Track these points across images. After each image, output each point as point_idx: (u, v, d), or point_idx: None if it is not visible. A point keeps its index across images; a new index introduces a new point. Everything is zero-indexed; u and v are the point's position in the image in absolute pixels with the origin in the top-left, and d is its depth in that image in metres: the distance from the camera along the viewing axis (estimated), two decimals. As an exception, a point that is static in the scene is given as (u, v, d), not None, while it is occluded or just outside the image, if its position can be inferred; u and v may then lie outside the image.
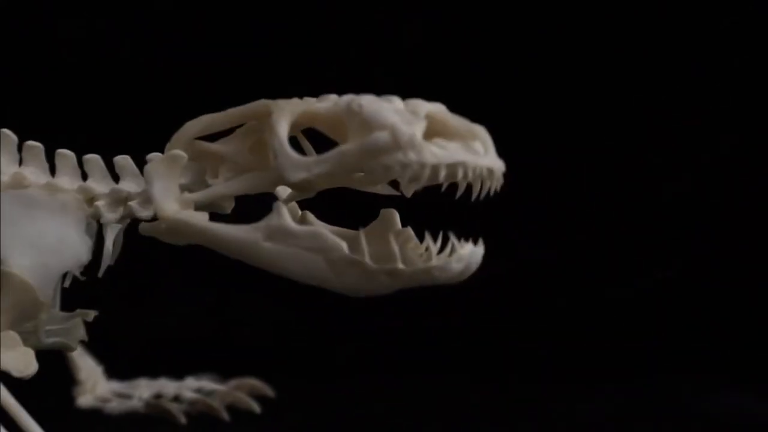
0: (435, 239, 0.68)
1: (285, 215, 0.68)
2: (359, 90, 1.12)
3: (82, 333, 0.85)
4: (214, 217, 0.74)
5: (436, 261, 0.66)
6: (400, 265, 0.66)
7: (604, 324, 1.25)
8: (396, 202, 0.76)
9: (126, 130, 1.02)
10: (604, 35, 1.28)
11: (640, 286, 1.26)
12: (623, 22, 1.28)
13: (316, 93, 1.20)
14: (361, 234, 0.68)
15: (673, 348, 1.23)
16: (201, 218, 0.71)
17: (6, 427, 0.74)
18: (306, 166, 0.67)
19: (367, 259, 0.66)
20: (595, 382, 1.15)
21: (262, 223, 0.68)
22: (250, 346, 1.25)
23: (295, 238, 0.68)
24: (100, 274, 0.80)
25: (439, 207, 0.76)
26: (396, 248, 0.67)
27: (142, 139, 0.83)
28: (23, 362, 0.77)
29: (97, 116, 1.21)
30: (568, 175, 1.16)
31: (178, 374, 1.10)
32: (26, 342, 0.79)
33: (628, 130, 1.28)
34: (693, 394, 1.12)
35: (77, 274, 0.80)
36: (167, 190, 0.72)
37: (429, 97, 0.72)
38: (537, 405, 1.09)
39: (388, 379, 1.17)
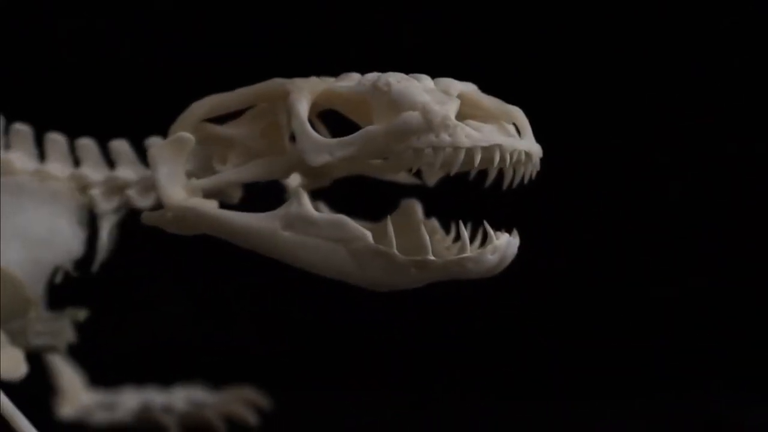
0: (457, 229, 0.67)
1: (306, 202, 0.66)
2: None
3: (70, 334, 0.85)
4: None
5: (469, 252, 0.64)
6: (431, 257, 0.64)
7: (631, 336, 1.25)
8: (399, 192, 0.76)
9: (119, 113, 1.00)
10: (610, 37, 1.28)
11: (670, 296, 1.26)
12: (623, 23, 1.29)
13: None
14: (389, 223, 0.65)
15: (703, 361, 1.23)
16: (211, 206, 0.70)
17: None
18: (329, 149, 0.65)
19: (395, 250, 0.64)
20: (621, 398, 1.15)
21: (280, 211, 0.66)
22: (236, 352, 1.25)
23: (316, 227, 0.66)
24: (94, 268, 0.79)
25: (442, 198, 0.75)
26: (426, 238, 0.64)
27: (137, 122, 0.83)
28: (12, 364, 0.76)
29: (88, 99, 1.20)
30: (582, 177, 1.15)
31: (161, 381, 1.09)
32: (13, 342, 0.79)
33: (638, 128, 1.28)
34: (726, 408, 1.12)
35: (69, 268, 0.79)
36: (173, 176, 0.70)
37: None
38: (558, 422, 1.09)
39: (388, 388, 1.18)
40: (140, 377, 1.10)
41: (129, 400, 1.05)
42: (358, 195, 0.77)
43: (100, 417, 1.02)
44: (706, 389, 1.17)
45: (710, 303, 1.24)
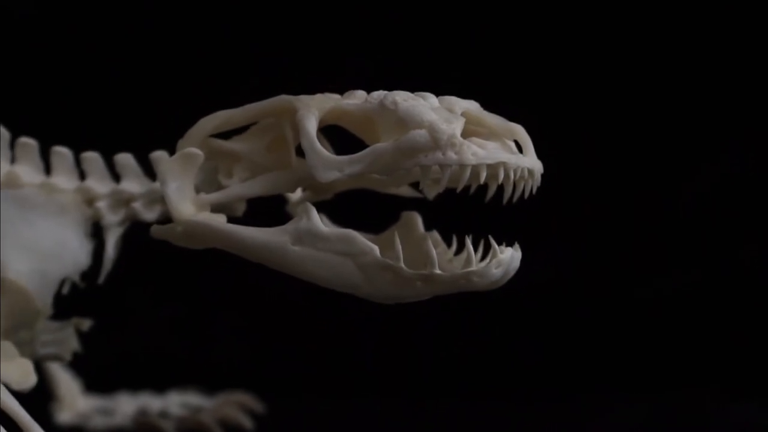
0: (463, 243, 0.68)
1: (315, 217, 0.67)
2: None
3: (75, 344, 0.85)
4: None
5: (475, 266, 0.65)
6: (438, 271, 0.65)
7: (623, 334, 1.26)
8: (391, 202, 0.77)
9: (120, 127, 1.01)
10: (611, 39, 1.30)
11: (662, 294, 1.27)
12: (621, 26, 1.30)
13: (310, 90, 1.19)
14: (396, 237, 0.67)
15: (694, 359, 1.25)
16: (221, 220, 0.70)
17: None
18: (338, 166, 0.66)
19: (403, 264, 0.65)
20: (615, 394, 1.16)
21: (290, 226, 0.68)
22: (225, 358, 1.26)
23: (325, 242, 0.67)
24: (101, 280, 0.80)
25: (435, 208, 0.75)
26: (433, 252, 0.66)
27: (138, 136, 0.85)
28: (22, 374, 0.77)
29: (87, 112, 1.21)
30: (577, 178, 1.17)
31: (153, 387, 1.10)
32: (20, 352, 0.79)
33: (643, 130, 1.29)
34: (716, 406, 1.14)
35: (77, 279, 0.80)
36: (183, 191, 0.71)
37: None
38: (552, 418, 1.10)
39: (379, 395, 1.17)
40: (131, 384, 1.11)
41: (126, 406, 1.06)
42: (353, 206, 0.78)
43: (99, 422, 1.03)
44: (690, 387, 1.19)
45: (694, 303, 1.26)
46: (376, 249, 0.66)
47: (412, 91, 0.69)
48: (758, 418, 1.09)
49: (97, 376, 1.08)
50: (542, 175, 0.68)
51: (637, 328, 1.25)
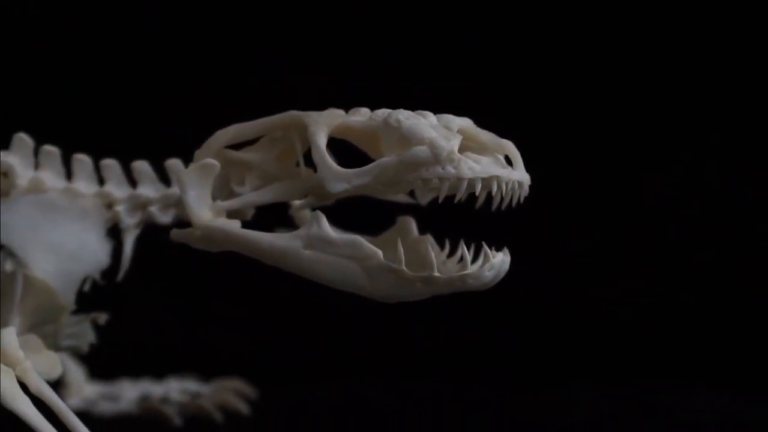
0: (457, 247, 0.71)
1: (325, 224, 0.71)
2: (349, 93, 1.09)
3: (92, 336, 0.89)
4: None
5: (470, 269, 0.69)
6: (436, 273, 0.69)
7: (594, 329, 1.27)
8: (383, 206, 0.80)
9: (132, 136, 1.02)
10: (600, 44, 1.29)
11: (629, 293, 1.28)
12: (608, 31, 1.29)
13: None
14: (399, 243, 0.70)
15: (653, 353, 1.25)
16: (236, 226, 0.74)
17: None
18: (347, 178, 0.70)
19: (404, 266, 0.69)
20: (579, 386, 1.17)
21: (302, 232, 0.71)
22: (220, 347, 1.26)
23: (334, 247, 0.70)
24: (120, 278, 0.83)
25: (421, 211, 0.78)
26: (432, 257, 0.69)
27: (151, 144, 0.88)
28: (49, 366, 0.79)
29: (94, 119, 1.21)
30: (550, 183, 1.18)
31: (152, 375, 1.12)
32: (45, 345, 0.81)
33: (613, 133, 1.29)
34: (674, 396, 1.13)
35: (97, 278, 0.83)
36: (201, 198, 0.74)
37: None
38: (522, 408, 1.11)
39: (372, 381, 1.18)
40: (130, 372, 1.12)
41: (129, 392, 1.08)
42: (348, 209, 0.79)
43: (104, 408, 1.05)
44: (656, 378, 1.21)
45: (657, 301, 1.28)
46: (380, 253, 0.69)
47: (404, 106, 0.72)
48: (720, 407, 1.10)
49: (99, 365, 1.08)
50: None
51: (607, 324, 1.27)
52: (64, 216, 0.82)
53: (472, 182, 0.68)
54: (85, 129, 0.94)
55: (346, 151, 0.75)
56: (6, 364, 0.76)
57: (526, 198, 0.71)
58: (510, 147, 0.71)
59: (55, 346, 0.83)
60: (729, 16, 1.26)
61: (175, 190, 0.83)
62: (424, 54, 1.28)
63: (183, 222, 0.80)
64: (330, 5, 1.28)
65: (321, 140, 0.71)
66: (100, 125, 1.18)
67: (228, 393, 1.06)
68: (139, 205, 0.83)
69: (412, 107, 0.74)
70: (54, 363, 0.80)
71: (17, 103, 1.07)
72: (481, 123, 0.74)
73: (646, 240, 1.28)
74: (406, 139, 0.69)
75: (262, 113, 0.78)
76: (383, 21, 1.28)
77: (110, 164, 0.84)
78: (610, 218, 1.28)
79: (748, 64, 1.27)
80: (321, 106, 0.76)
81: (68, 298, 0.81)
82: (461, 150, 0.70)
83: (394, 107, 0.74)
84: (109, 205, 0.83)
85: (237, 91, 1.25)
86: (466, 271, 0.69)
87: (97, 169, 0.84)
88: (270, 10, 1.28)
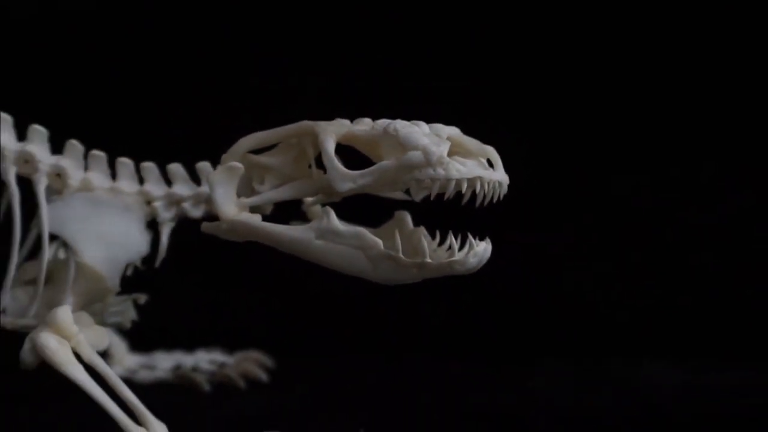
0: (444, 238, 0.71)
1: (334, 218, 0.71)
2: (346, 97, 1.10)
3: (133, 314, 0.89)
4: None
5: (457, 256, 0.70)
6: (428, 260, 0.70)
7: (552, 311, 1.26)
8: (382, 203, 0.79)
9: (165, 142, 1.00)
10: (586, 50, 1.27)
11: (582, 279, 1.27)
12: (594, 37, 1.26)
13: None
14: (397, 234, 0.71)
15: (605, 327, 1.24)
16: (257, 219, 0.74)
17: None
18: (352, 179, 0.71)
19: (401, 254, 0.70)
20: (542, 359, 1.17)
21: (313, 225, 0.72)
22: (238, 325, 1.24)
23: (341, 238, 0.71)
24: (157, 264, 0.84)
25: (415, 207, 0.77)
26: (425, 246, 0.70)
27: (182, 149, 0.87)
28: (97, 338, 0.80)
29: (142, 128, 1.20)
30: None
31: (184, 347, 1.11)
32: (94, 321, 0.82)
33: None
34: (623, 365, 1.14)
35: (138, 264, 0.84)
36: (227, 196, 0.74)
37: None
38: (491, 379, 1.10)
39: (371, 355, 1.18)
40: (167, 344, 1.11)
41: (164, 362, 1.08)
42: (353, 205, 0.78)
43: (143, 375, 1.05)
44: (609, 350, 1.19)
45: (613, 286, 1.26)
46: (380, 243, 0.70)
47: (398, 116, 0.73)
48: (670, 376, 1.09)
49: (139, 338, 1.08)
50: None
51: (569, 305, 1.26)
52: (109, 211, 0.82)
53: (459, 182, 0.69)
54: (105, 130, 0.92)
55: (351, 156, 0.74)
56: (63, 337, 0.77)
57: (504, 195, 0.71)
58: (492, 152, 0.72)
59: (102, 322, 0.83)
60: (717, 18, 1.24)
61: (205, 188, 0.84)
62: (415, 56, 1.26)
63: (212, 216, 0.80)
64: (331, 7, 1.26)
65: (330, 146, 0.72)
66: (120, 128, 1.16)
67: (249, 363, 1.06)
68: (174, 201, 0.84)
69: (405, 106, 0.76)
70: (101, 336, 0.81)
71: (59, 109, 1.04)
72: (468, 125, 0.74)
73: (606, 229, 1.27)
74: (403, 145, 0.70)
75: (271, 116, 0.79)
76: (379, 24, 1.26)
77: (149, 166, 0.84)
78: (574, 213, 1.27)
79: (743, 62, 1.24)
80: (324, 108, 0.78)
81: (113, 282, 0.81)
82: (449, 154, 0.70)
83: (386, 106, 0.75)
84: (148, 202, 0.84)
85: (247, 97, 1.24)
86: (453, 258, 0.70)
87: (138, 170, 0.84)
88: (273, 12, 1.26)
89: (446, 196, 0.70)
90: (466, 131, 0.74)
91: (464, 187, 0.69)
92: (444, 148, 0.70)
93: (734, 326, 1.22)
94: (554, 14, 1.25)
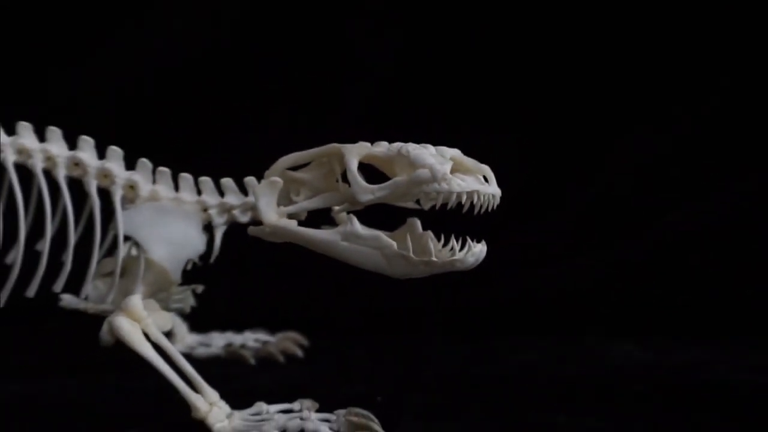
0: (447, 240, 0.72)
1: (356, 223, 0.73)
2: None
3: (192, 301, 0.91)
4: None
5: (458, 255, 0.71)
6: (434, 258, 0.71)
7: (526, 296, 1.23)
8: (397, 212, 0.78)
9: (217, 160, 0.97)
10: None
11: (555, 267, 1.24)
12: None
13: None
14: (408, 237, 0.72)
15: (578, 309, 1.21)
16: (294, 224, 0.75)
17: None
18: (372, 191, 0.72)
19: (411, 254, 0.71)
20: (523, 337, 1.15)
21: (340, 229, 0.73)
22: (279, 311, 1.21)
23: (362, 239, 0.72)
24: (212, 260, 0.84)
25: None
26: (431, 247, 0.71)
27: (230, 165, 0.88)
28: (163, 321, 0.81)
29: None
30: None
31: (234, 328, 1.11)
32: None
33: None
34: (599, 345, 1.11)
35: (196, 260, 0.84)
36: (269, 205, 0.75)
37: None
38: (487, 353, 1.09)
39: (386, 335, 1.17)
40: (220, 326, 1.11)
41: (217, 340, 1.08)
42: (374, 213, 0.77)
43: (201, 352, 1.05)
44: (582, 330, 1.17)
45: (584, 270, 1.23)
46: (395, 244, 0.72)
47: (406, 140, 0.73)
48: (633, 354, 1.08)
49: (197, 321, 1.08)
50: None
51: (540, 289, 1.24)
52: (173, 217, 0.83)
53: (459, 195, 0.70)
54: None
55: (372, 172, 0.75)
56: (134, 320, 0.78)
57: (497, 205, 0.72)
58: (487, 170, 0.73)
59: (166, 308, 0.85)
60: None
61: (251, 198, 0.84)
62: (426, 91, 1.24)
63: (256, 222, 0.80)
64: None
65: (353, 164, 0.73)
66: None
67: (287, 341, 1.07)
68: (226, 209, 0.84)
69: (415, 131, 0.77)
70: (166, 319, 0.82)
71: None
72: (466, 145, 0.74)
73: (582, 227, 1.25)
74: (413, 164, 0.71)
75: (306, 139, 0.79)
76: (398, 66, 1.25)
77: (205, 180, 0.85)
78: (554, 213, 1.26)
79: (737, 64, 1.21)
80: (349, 132, 0.78)
81: (176, 275, 0.82)
82: (452, 172, 0.71)
83: (400, 131, 0.76)
84: (205, 209, 0.84)
85: (286, 125, 1.23)
86: (455, 257, 0.71)
87: (196, 183, 0.85)
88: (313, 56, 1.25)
89: (449, 206, 0.71)
90: (465, 151, 0.74)
91: (464, 198, 0.70)
92: (447, 167, 0.71)
93: (693, 310, 1.19)
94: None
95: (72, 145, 0.85)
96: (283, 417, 0.76)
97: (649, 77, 1.23)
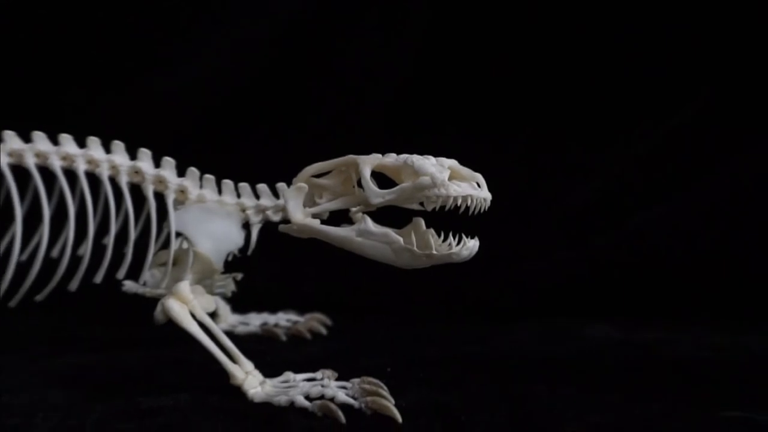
0: (446, 236, 0.73)
1: (369, 222, 0.75)
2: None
3: (233, 286, 0.92)
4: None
5: (455, 249, 0.73)
6: (435, 252, 0.73)
7: (516, 286, 1.21)
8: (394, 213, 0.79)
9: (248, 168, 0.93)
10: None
11: (541, 259, 1.21)
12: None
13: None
14: (412, 233, 0.74)
15: (558, 295, 1.18)
16: (317, 223, 0.78)
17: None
18: (382, 195, 0.75)
19: (415, 248, 0.73)
20: (511, 320, 1.13)
21: (355, 227, 0.76)
22: (307, 295, 1.19)
23: (374, 235, 0.75)
24: (249, 253, 0.85)
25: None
26: (432, 242, 0.74)
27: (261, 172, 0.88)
28: (208, 303, 0.83)
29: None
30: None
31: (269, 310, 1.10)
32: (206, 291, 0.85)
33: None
34: (577, 326, 1.09)
35: (236, 252, 0.85)
36: (297, 207, 0.78)
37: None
38: (481, 334, 1.07)
39: (394, 317, 1.16)
40: (256, 308, 1.10)
41: (254, 320, 1.08)
42: (384, 214, 0.79)
43: (241, 329, 1.05)
44: (566, 313, 1.14)
45: (568, 262, 1.21)
46: (401, 239, 0.74)
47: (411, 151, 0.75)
48: (609, 334, 1.06)
49: (238, 304, 1.08)
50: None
51: (528, 279, 1.22)
52: (216, 216, 0.84)
53: (456, 198, 0.73)
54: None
55: (382, 179, 0.77)
56: (183, 302, 0.80)
57: (488, 208, 0.74)
58: (480, 177, 0.75)
59: (210, 292, 0.86)
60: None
61: (281, 201, 0.85)
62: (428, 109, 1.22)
63: (286, 221, 0.81)
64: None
65: (367, 172, 0.75)
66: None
67: (314, 321, 1.07)
68: (261, 210, 0.85)
69: (419, 144, 0.77)
70: (210, 302, 0.84)
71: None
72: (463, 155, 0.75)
73: (556, 224, 1.24)
74: (417, 172, 0.74)
75: (327, 151, 0.79)
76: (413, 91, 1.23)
77: (244, 185, 0.86)
78: (539, 212, 1.25)
79: (728, 65, 1.17)
80: (364, 145, 0.78)
81: (219, 265, 0.84)
82: (450, 179, 0.73)
83: (407, 144, 0.77)
84: (243, 210, 0.85)
85: (311, 139, 1.22)
86: (452, 251, 0.73)
87: (236, 188, 0.86)
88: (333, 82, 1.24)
89: (447, 208, 0.73)
90: (458, 155, 0.76)
91: (460, 201, 0.73)
92: (446, 175, 0.73)
93: (659, 295, 1.17)
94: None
95: (132, 155, 0.87)
96: (307, 384, 0.78)
97: (645, 77, 1.20)
